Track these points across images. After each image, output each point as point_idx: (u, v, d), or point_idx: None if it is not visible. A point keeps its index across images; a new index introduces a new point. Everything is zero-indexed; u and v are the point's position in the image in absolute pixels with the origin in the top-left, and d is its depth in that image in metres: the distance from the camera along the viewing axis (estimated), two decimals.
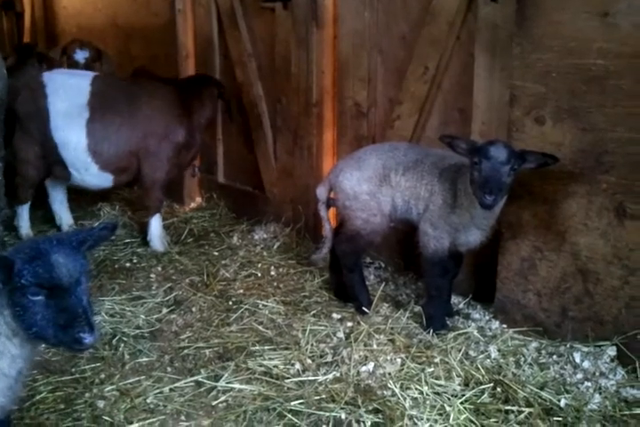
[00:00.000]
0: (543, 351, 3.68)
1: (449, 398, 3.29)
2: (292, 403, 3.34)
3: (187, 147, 5.44)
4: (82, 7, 8.96)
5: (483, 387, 3.37)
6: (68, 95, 5.14)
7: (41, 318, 2.21)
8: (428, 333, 3.94)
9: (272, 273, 4.91)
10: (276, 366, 3.66)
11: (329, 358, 3.71)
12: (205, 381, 3.58)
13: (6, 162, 4.68)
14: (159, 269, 5.02)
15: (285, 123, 5.67)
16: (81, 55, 6.43)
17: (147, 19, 7.30)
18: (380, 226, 4.16)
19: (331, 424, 3.20)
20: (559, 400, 3.24)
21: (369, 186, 4.11)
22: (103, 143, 5.13)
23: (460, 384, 3.42)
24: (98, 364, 3.75)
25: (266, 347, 3.88)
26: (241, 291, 4.62)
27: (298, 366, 3.66)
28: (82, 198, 5.88)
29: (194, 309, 4.38)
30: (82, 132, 5.11)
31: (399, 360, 3.62)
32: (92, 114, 5.13)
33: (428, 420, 3.14)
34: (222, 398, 3.45)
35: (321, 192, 4.36)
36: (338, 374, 3.55)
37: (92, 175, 5.24)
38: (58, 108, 5.11)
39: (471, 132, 4.33)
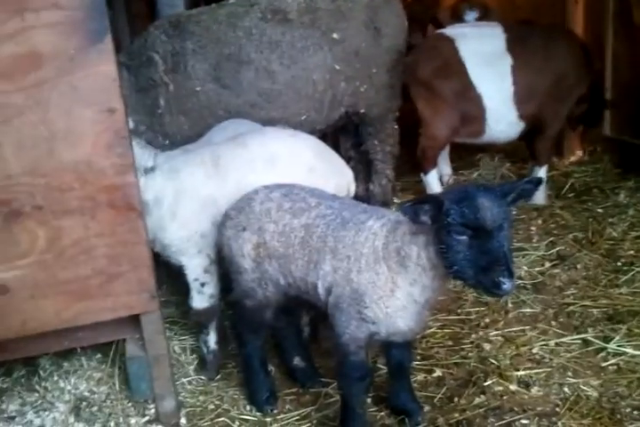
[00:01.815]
0: None
1: None
2: None
3: (581, 101, 5.19)
4: None
5: None
6: (483, 44, 5.06)
7: (462, 257, 2.34)
8: None
9: None
10: None
11: None
12: (594, 340, 3.46)
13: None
14: (539, 222, 4.93)
15: None
16: (471, 16, 6.47)
17: None
18: None
19: None
20: None
21: None
22: (526, 89, 5.01)
23: None
24: (482, 308, 3.89)
25: None
26: (631, 252, 4.30)
27: None
28: (461, 149, 6.03)
29: (579, 266, 4.22)
30: (507, 79, 5.00)
31: None
32: (514, 60, 5.01)
33: None
34: (613, 360, 3.31)
35: None
36: None
37: (509, 125, 5.11)
38: (476, 59, 5.02)
39: None
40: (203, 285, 3.33)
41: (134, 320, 3.01)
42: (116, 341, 3.43)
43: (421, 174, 5.34)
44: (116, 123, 2.72)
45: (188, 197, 3.21)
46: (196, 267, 3.29)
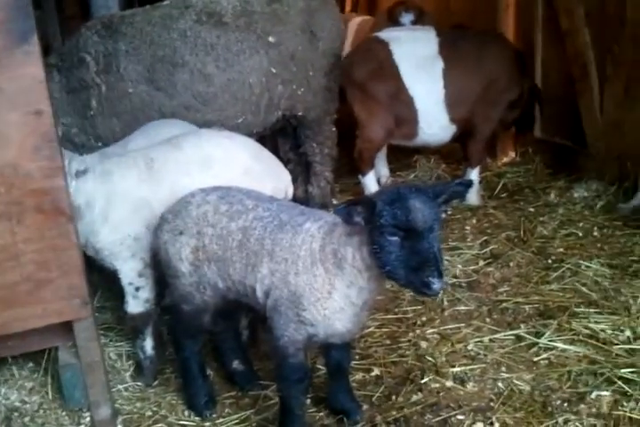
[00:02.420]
0: None
1: None
2: (623, 370, 3.16)
3: (514, 106, 5.34)
4: None
5: None
6: (416, 48, 5.13)
7: (394, 258, 2.37)
8: None
9: (595, 233, 4.63)
10: (603, 331, 3.49)
11: None
12: (526, 336, 3.56)
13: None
14: (474, 221, 5.05)
15: (616, 72, 5.22)
16: (407, 18, 6.57)
17: None
18: None
19: None
20: None
21: None
22: (457, 93, 5.09)
23: None
24: (419, 307, 3.95)
25: (590, 309, 3.71)
26: (561, 250, 4.45)
27: (628, 332, 3.45)
28: (397, 151, 6.12)
29: (511, 263, 4.34)
30: (438, 82, 5.07)
31: None
32: (446, 63, 5.09)
33: None
34: (544, 355, 3.41)
35: None
36: None
37: (441, 128, 5.20)
38: (409, 63, 5.10)
39: None
40: (137, 289, 3.27)
41: (67, 327, 2.93)
42: (48, 349, 3.33)
43: (359, 176, 5.40)
44: (43, 125, 2.63)
45: (119, 200, 3.15)
46: (130, 271, 3.23)
